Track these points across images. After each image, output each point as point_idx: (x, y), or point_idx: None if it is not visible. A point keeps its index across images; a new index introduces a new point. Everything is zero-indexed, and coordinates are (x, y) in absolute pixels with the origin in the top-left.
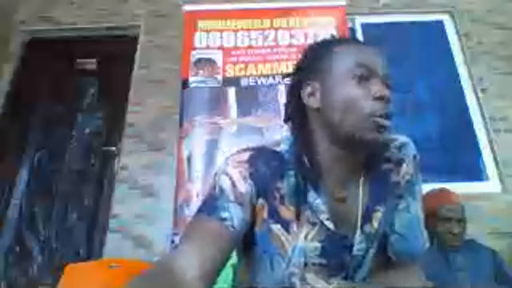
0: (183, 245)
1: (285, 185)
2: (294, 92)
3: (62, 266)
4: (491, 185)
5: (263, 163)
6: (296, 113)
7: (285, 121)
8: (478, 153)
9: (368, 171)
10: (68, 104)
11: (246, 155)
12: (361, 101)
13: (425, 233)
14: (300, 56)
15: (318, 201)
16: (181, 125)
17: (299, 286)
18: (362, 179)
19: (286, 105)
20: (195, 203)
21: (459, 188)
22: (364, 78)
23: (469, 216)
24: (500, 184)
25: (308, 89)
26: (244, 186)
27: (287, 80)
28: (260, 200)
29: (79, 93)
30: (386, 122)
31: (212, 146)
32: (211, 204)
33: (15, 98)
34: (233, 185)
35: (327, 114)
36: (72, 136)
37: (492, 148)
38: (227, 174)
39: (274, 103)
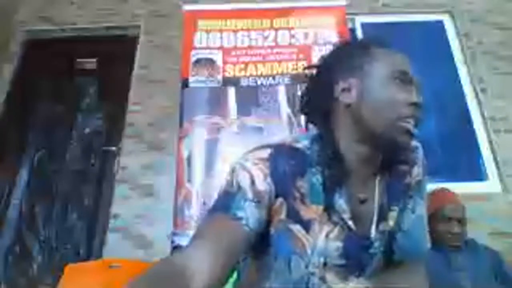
0: (195, 244)
1: (307, 183)
2: (321, 86)
3: (62, 266)
4: (491, 185)
5: (283, 161)
6: (322, 108)
7: (305, 113)
8: (478, 153)
9: (384, 171)
10: (68, 104)
11: (266, 153)
12: (401, 104)
13: (428, 233)
14: (329, 51)
15: (342, 200)
16: (181, 125)
17: (318, 286)
18: (378, 179)
19: (307, 98)
20: (195, 203)
21: (459, 188)
22: (404, 82)
23: (469, 216)
24: (500, 184)
25: (343, 85)
26: (263, 185)
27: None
28: (279, 200)
29: (79, 93)
30: (415, 130)
31: (212, 146)
32: (227, 202)
33: (15, 98)
34: (252, 183)
35: (362, 111)
36: (72, 136)
37: (492, 148)
38: (247, 171)
39: (274, 103)
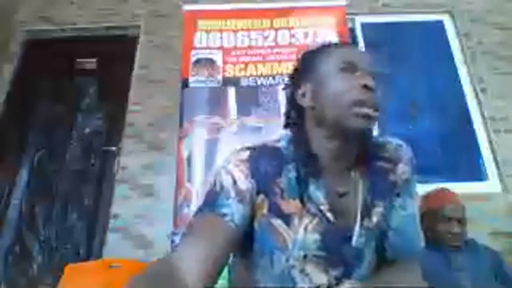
0: (184, 245)
1: (285, 180)
2: (290, 97)
3: (62, 266)
4: (491, 185)
5: (263, 160)
6: (294, 116)
7: (285, 127)
8: (478, 153)
9: (364, 167)
10: (68, 104)
11: (246, 154)
12: (347, 91)
13: (421, 232)
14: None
15: (319, 193)
16: (181, 125)
17: (299, 279)
18: (358, 175)
19: (285, 113)
20: (195, 203)
21: (459, 188)
22: (349, 71)
23: (469, 216)
24: (500, 184)
25: (300, 91)
26: (245, 184)
27: (286, 86)
28: (261, 196)
29: (79, 93)
30: (370, 111)
31: (212, 146)
32: (212, 201)
33: (15, 98)
34: (234, 182)
35: (319, 109)
36: (72, 136)
37: (492, 148)
38: (228, 172)
39: (274, 103)
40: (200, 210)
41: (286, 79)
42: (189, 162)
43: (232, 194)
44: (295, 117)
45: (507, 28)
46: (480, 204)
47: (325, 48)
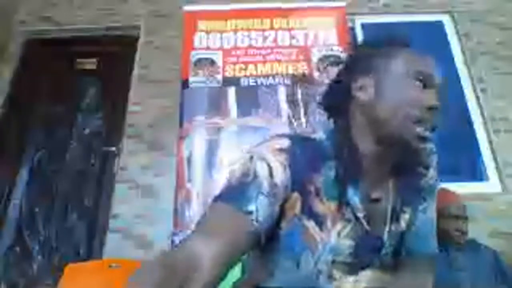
0: (199, 238)
1: (323, 178)
2: (341, 83)
3: (62, 266)
4: (491, 185)
5: (301, 153)
6: (340, 104)
7: (326, 108)
8: (478, 153)
9: (399, 172)
10: (68, 104)
11: (286, 143)
12: (415, 106)
13: (436, 235)
14: (348, 49)
15: (356, 198)
16: (181, 125)
17: (325, 283)
18: (392, 180)
19: (329, 93)
20: (195, 203)
21: (459, 188)
22: (422, 85)
23: (469, 216)
24: (500, 184)
25: (360, 82)
26: (281, 178)
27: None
28: (294, 194)
29: (79, 93)
30: (428, 133)
31: (212, 146)
32: (238, 192)
33: (15, 98)
34: (270, 174)
35: (377, 110)
36: (72, 136)
37: (492, 148)
38: (265, 161)
39: (274, 103)
40: (223, 199)
41: (342, 60)
42: (189, 162)
43: (265, 188)
44: (342, 106)
45: (507, 28)
46: (480, 204)
47: (395, 46)
